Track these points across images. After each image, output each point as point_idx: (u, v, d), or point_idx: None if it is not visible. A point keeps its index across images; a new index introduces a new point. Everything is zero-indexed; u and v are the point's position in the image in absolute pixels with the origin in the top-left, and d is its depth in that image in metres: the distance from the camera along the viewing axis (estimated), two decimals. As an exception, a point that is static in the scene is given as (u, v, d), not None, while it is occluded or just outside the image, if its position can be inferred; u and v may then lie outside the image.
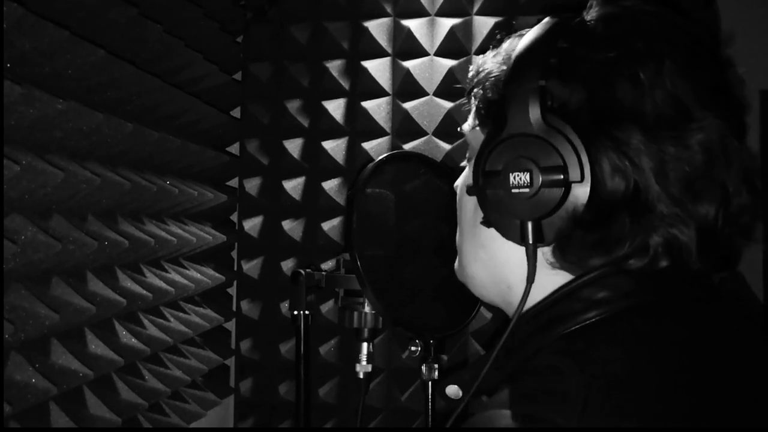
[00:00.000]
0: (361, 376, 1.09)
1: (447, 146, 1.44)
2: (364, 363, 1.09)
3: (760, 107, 1.46)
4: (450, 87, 1.44)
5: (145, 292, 1.10)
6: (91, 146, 0.98)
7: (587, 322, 0.56)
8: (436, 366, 1.07)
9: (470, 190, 0.63)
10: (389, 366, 1.46)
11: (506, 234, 0.59)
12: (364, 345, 1.09)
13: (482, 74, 0.66)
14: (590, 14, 0.60)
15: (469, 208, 0.68)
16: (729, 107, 0.58)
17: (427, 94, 1.46)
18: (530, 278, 0.58)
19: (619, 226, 0.56)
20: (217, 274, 1.44)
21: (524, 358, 0.57)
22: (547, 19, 0.61)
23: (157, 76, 1.13)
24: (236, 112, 1.57)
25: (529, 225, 0.56)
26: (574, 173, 0.54)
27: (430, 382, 1.07)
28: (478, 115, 0.67)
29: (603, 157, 0.55)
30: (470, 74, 0.70)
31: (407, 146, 1.45)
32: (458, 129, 0.74)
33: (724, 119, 0.56)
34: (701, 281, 0.59)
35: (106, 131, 0.98)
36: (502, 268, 0.65)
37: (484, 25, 1.43)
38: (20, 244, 0.82)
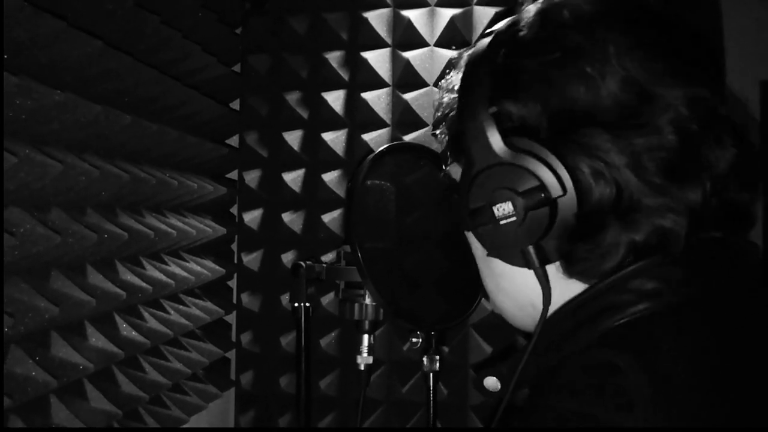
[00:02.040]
0: (362, 368, 1.09)
1: (447, 137, 1.43)
2: (365, 355, 1.09)
3: (760, 98, 1.45)
4: (450, 78, 1.43)
5: (145, 284, 1.10)
6: (88, 138, 0.97)
7: (639, 314, 0.53)
8: (438, 357, 1.07)
9: (463, 228, 0.63)
10: (390, 358, 1.45)
11: (512, 262, 0.58)
12: (365, 337, 1.09)
13: (441, 111, 0.65)
14: (521, 20, 0.58)
15: (476, 244, 0.66)
16: (691, 70, 0.55)
17: (428, 85, 1.45)
18: (546, 301, 0.56)
19: (611, 230, 0.54)
20: (217, 267, 1.44)
21: (571, 353, 0.55)
22: (479, 40, 0.59)
23: (155, 67, 1.13)
24: (235, 104, 1.56)
25: (531, 250, 0.55)
26: (554, 189, 0.52)
27: (431, 374, 1.07)
28: (451, 151, 0.65)
29: (579, 164, 0.53)
30: (435, 110, 0.68)
31: (407, 138, 1.44)
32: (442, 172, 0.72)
33: (690, 85, 0.53)
34: (745, 262, 0.58)
35: (104, 123, 0.97)
36: (524, 290, 0.63)
37: (484, 15, 1.42)
38: (19, 237, 0.82)
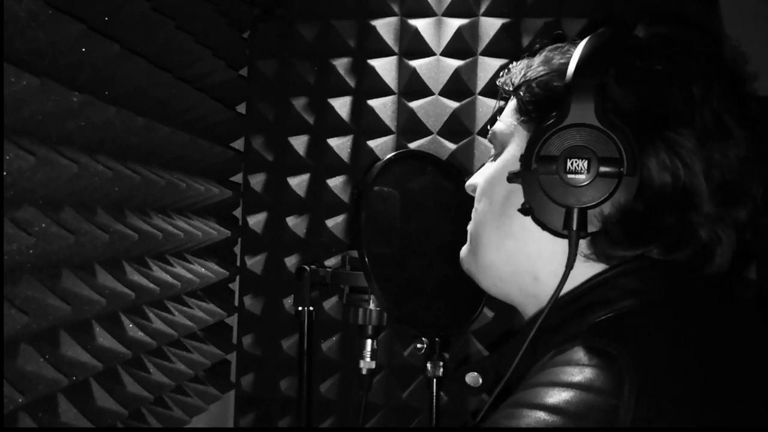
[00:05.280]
0: (365, 372, 1.10)
1: (452, 146, 1.45)
2: (368, 359, 1.10)
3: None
4: (456, 87, 1.45)
5: (152, 285, 1.11)
6: (102, 139, 0.98)
7: (625, 309, 0.58)
8: (441, 363, 1.08)
9: (512, 177, 0.66)
10: (390, 363, 1.47)
11: (548, 221, 0.61)
12: (368, 342, 1.10)
13: (528, 75, 0.70)
14: (642, 32, 0.66)
15: (499, 196, 0.70)
16: (755, 133, 0.64)
17: (433, 94, 1.47)
18: (570, 264, 0.61)
19: (661, 220, 0.60)
20: (220, 269, 1.44)
21: (559, 344, 0.58)
22: (604, 30, 0.65)
23: (168, 71, 1.14)
24: (242, 108, 1.57)
25: (576, 212, 0.59)
26: (628, 166, 0.58)
27: (434, 380, 1.08)
28: (523, 110, 0.70)
29: (653, 156, 0.59)
30: (508, 77, 0.74)
31: (412, 145, 1.46)
32: (488, 128, 0.77)
33: (753, 142, 0.62)
34: (722, 281, 0.64)
35: (118, 125, 0.98)
36: (530, 259, 0.67)
37: (490, 26, 1.44)
38: (34, 236, 0.83)
